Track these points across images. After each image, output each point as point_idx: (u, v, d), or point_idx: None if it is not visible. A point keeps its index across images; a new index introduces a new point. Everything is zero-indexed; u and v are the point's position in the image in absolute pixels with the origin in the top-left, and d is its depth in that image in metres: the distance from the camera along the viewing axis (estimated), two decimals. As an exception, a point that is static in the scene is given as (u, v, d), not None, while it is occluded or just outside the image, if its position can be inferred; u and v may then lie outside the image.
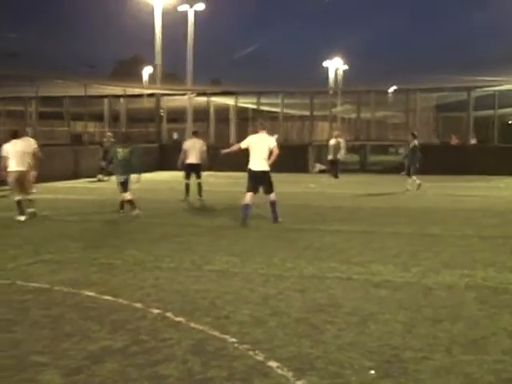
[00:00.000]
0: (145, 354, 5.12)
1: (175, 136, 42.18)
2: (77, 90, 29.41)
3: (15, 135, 13.42)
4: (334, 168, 25.42)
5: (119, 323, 5.92)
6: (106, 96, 33.07)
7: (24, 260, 8.88)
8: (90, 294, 6.98)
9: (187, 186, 17.10)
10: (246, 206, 12.35)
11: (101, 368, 4.80)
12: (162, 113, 36.29)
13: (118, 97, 33.51)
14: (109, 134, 25.06)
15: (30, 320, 6.04)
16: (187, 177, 17.24)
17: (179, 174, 17.94)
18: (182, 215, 14.17)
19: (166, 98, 34.94)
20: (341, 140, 25.42)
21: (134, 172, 13.62)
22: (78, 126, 36.86)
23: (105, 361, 4.95)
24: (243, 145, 12.75)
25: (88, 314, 6.20)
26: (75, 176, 24.55)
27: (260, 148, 12.44)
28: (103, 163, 23.07)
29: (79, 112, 33.16)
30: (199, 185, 17.12)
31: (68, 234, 11.31)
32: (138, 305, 6.54)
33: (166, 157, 28.35)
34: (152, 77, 45.41)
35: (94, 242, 10.49)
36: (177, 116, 39.99)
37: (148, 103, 35.04)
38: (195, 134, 18.25)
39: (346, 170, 27.37)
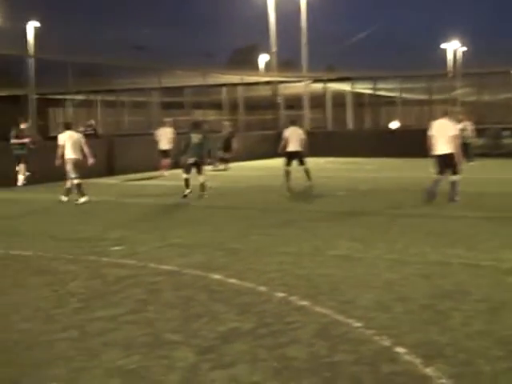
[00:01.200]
0: (271, 336, 5.24)
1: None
2: (196, 80, 30.20)
3: (68, 127, 14.99)
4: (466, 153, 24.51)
5: (246, 306, 6.08)
6: (224, 85, 33.75)
7: (154, 244, 9.29)
8: (217, 277, 7.20)
9: (287, 173, 17.19)
10: (436, 182, 12.90)
11: (231, 348, 4.96)
12: (279, 100, 36.53)
13: (235, 85, 34.07)
14: (226, 123, 25.44)
15: (162, 300, 6.33)
16: (288, 164, 17.35)
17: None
18: (301, 201, 14.26)
19: (282, 85, 35.14)
20: (467, 123, 24.45)
21: (203, 157, 14.88)
22: (198, 115, 37.84)
23: (234, 341, 5.11)
24: (431, 132, 13.20)
25: (216, 297, 6.42)
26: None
27: (444, 133, 12.97)
28: (220, 153, 23.50)
29: (199, 101, 34.05)
30: (306, 171, 17.11)
31: (194, 219, 11.71)
32: (263, 288, 6.68)
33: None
34: (268, 64, 45.78)
35: (220, 226, 10.80)
36: (293, 103, 40.11)
37: (265, 91, 35.37)
38: (293, 122, 18.35)
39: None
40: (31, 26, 27.01)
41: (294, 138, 17.28)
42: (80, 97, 32.61)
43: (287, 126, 17.93)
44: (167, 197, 15.22)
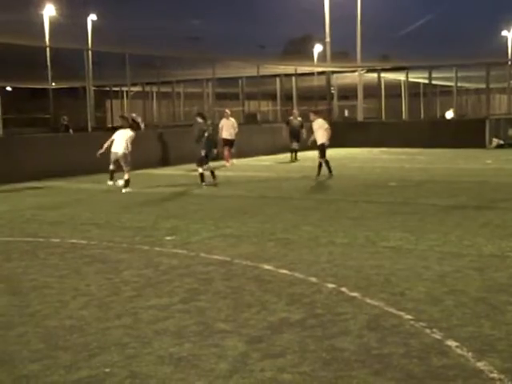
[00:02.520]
0: (321, 327, 5.25)
1: (346, 113, 42.04)
2: (250, 71, 30.24)
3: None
4: None
5: (296, 296, 6.11)
6: (277, 75, 33.71)
7: (206, 234, 9.41)
8: (268, 267, 7.25)
9: (320, 165, 16.97)
10: None
11: (280, 338, 5.00)
12: (333, 90, 36.29)
13: (289, 75, 33.99)
14: (295, 111, 25.01)
15: (213, 290, 6.42)
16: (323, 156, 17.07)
17: (351, 151, 18.01)
18: (353, 192, 14.17)
19: (336, 75, 34.90)
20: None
21: (214, 147, 15.66)
22: (252, 106, 37.95)
23: (283, 331, 5.15)
24: None
25: (266, 287, 6.47)
26: (249, 154, 25.23)
27: None
28: (295, 144, 23.16)
29: (253, 91, 34.11)
30: (326, 163, 16.89)
31: (246, 209, 11.80)
32: (314, 279, 6.70)
33: (338, 134, 28.37)
34: (322, 54, 45.50)
35: (271, 217, 10.84)
36: (347, 93, 39.80)
37: (319, 81, 35.18)
38: (317, 113, 18.13)
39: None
40: (89, 20, 27.57)
41: (318, 130, 17.09)
42: (136, 88, 33.09)
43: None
44: (220, 187, 15.35)
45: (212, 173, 15.61)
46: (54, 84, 30.06)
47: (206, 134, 15.41)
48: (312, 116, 17.50)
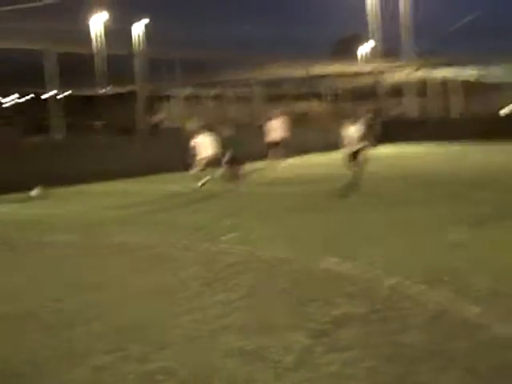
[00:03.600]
0: (385, 321, 5.27)
1: (396, 111, 41.60)
2: (298, 71, 30.31)
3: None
4: None
5: (359, 290, 6.13)
6: (326, 75, 33.67)
7: (265, 231, 9.50)
8: (329, 262, 7.28)
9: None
10: None
11: (345, 332, 5.04)
12: (382, 89, 36.00)
13: (337, 75, 33.93)
14: (364, 108, 24.38)
15: (275, 285, 6.49)
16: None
17: (404, 150, 17.80)
18: (414, 186, 14.03)
19: (384, 73, 34.63)
20: None
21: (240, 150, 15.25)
22: (302, 106, 37.92)
23: (347, 326, 5.19)
24: None
25: (328, 281, 6.51)
26: (299, 153, 25.17)
27: None
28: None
29: (301, 92, 34.15)
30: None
31: (303, 206, 11.86)
32: (376, 272, 6.70)
33: (388, 132, 28.16)
34: (370, 53, 45.18)
35: (330, 213, 10.89)
36: (397, 91, 39.40)
37: (367, 80, 35.00)
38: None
39: None
40: (140, 25, 28.04)
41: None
42: (187, 91, 33.48)
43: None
44: (276, 186, 15.45)
45: (224, 176, 15.54)
46: (106, 89, 30.69)
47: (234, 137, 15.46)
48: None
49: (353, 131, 15.10)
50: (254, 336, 5.04)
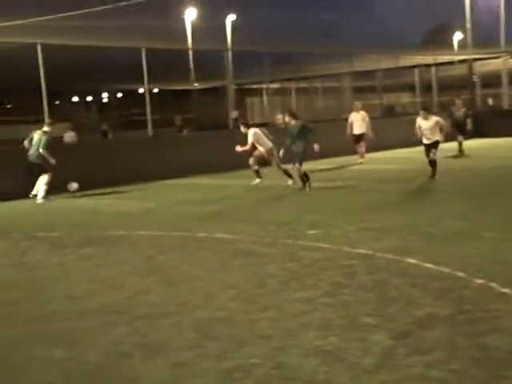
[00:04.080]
0: (471, 323, 5.08)
1: (490, 102, 40.17)
2: (387, 63, 29.72)
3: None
4: None
5: (442, 291, 5.94)
6: (416, 66, 32.86)
7: (347, 227, 9.37)
8: (412, 261, 7.11)
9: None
10: None
11: (427, 334, 4.89)
12: (475, 79, 34.81)
13: (428, 66, 33.05)
14: (458, 101, 23.54)
15: (356, 283, 6.39)
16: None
17: (496, 141, 17.13)
18: (496, 184, 13.52)
19: (478, 62, 33.45)
20: None
21: (304, 145, 14.38)
22: (390, 98, 37.25)
23: (430, 327, 5.03)
24: None
25: (411, 281, 6.34)
26: (386, 147, 24.77)
27: None
28: (460, 137, 21.19)
29: (390, 84, 33.50)
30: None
31: (386, 203, 11.62)
32: (461, 274, 6.48)
33: (482, 124, 27.22)
34: (463, 42, 43.77)
35: (413, 210, 10.63)
36: (491, 81, 38.00)
37: (459, 70, 33.90)
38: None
39: None
40: (228, 20, 28.29)
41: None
42: (274, 85, 33.53)
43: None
44: (358, 181, 15.24)
45: (288, 174, 15.09)
46: (196, 84, 31.20)
47: (294, 132, 14.53)
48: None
49: (430, 124, 14.59)
50: (333, 335, 4.97)
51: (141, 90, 21.30)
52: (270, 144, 15.49)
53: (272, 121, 30.18)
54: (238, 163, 17.02)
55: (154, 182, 17.11)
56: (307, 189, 14.07)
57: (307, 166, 14.72)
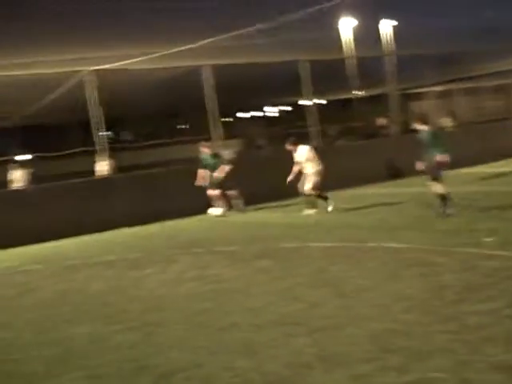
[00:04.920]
0: None
1: None
2: None
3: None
4: None
5: None
6: None
7: None
8: None
9: None
10: None
11: None
12: None
13: None
14: None
15: None
16: None
17: None
18: None
19: None
20: None
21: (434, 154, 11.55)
22: None
23: None
24: None
25: None
26: None
27: None
28: None
29: None
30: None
31: None
32: None
33: None
34: None
35: None
36: None
37: None
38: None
39: None
40: (387, 25, 27.89)
41: None
42: (438, 88, 32.57)
43: None
44: None
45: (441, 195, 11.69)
46: (359, 93, 31.09)
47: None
48: None
49: None
50: (520, 350, 4.75)
51: (308, 102, 21.72)
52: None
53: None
54: (404, 171, 16.73)
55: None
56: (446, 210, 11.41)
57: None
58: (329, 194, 14.41)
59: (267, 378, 4.81)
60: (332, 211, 13.87)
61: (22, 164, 19.34)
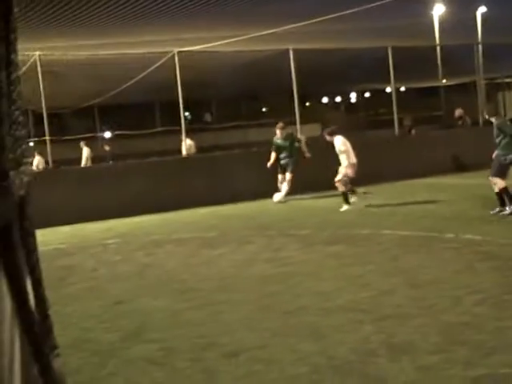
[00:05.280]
0: None
1: None
2: None
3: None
4: None
5: None
6: None
7: None
8: None
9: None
10: None
11: None
12: None
13: None
14: None
15: None
16: None
17: None
18: None
19: None
20: None
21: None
22: None
23: None
24: None
25: None
26: None
27: None
28: None
29: None
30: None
31: None
32: None
33: None
34: None
35: None
36: None
37: None
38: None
39: None
40: (478, 13, 27.10)
41: None
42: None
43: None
44: None
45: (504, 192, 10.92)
46: (444, 81, 30.39)
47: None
48: None
49: None
50: None
51: (388, 89, 21.32)
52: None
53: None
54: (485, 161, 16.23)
55: (396, 182, 16.91)
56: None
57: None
58: (356, 196, 13.44)
59: (332, 363, 4.84)
60: (345, 211, 12.81)
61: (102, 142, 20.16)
